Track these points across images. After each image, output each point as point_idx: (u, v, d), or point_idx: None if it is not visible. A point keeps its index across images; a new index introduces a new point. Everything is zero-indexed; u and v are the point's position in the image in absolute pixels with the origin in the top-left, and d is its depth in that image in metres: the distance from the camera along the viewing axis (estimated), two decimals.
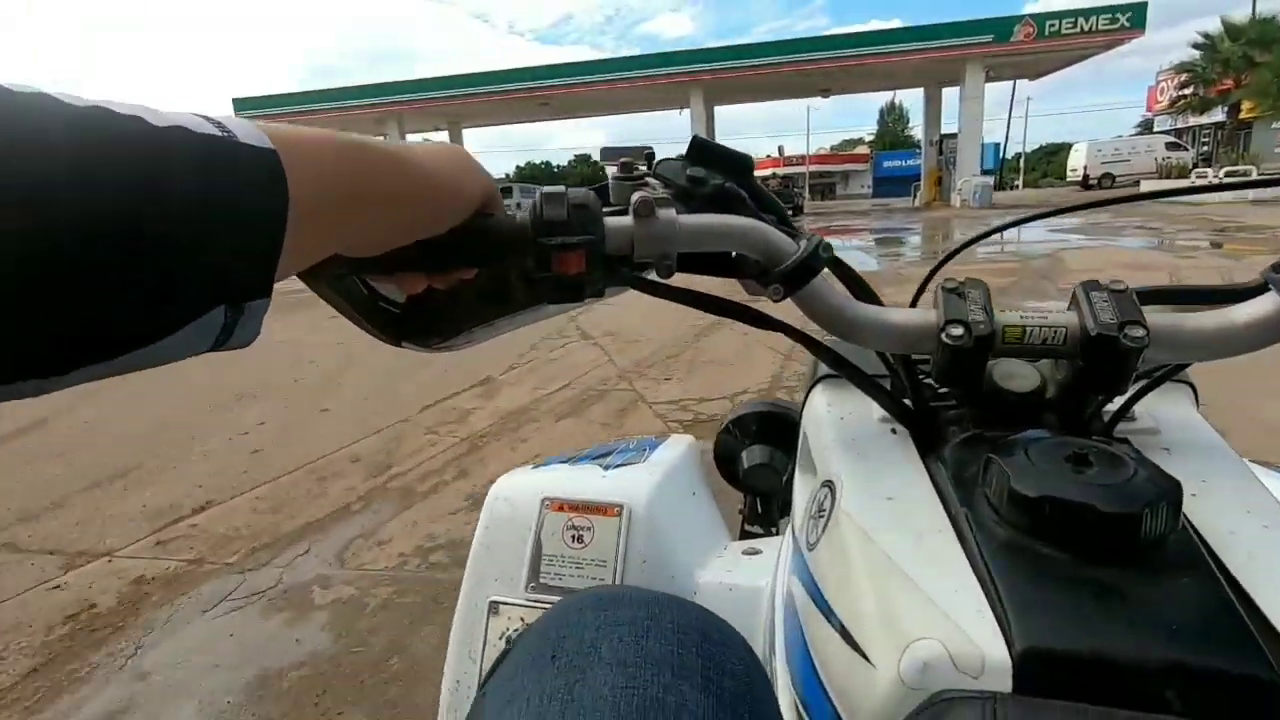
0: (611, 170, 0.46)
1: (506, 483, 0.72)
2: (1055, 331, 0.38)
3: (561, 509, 0.67)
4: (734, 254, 0.41)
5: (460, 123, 27.34)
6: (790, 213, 0.46)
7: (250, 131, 0.24)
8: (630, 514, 0.66)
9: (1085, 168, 29.27)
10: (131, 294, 0.21)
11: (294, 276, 0.30)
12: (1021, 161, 46.83)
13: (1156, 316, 0.38)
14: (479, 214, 0.37)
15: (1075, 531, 0.31)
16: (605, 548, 0.65)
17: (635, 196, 0.38)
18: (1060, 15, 18.46)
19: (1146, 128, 36.77)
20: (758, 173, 0.50)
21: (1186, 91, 25.03)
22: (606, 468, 0.73)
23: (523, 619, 0.64)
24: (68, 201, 0.19)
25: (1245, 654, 0.26)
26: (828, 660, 0.35)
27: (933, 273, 0.52)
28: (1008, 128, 28.06)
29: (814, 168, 56.23)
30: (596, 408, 3.45)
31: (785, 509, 0.83)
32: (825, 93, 25.46)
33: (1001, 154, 31.30)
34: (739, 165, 0.44)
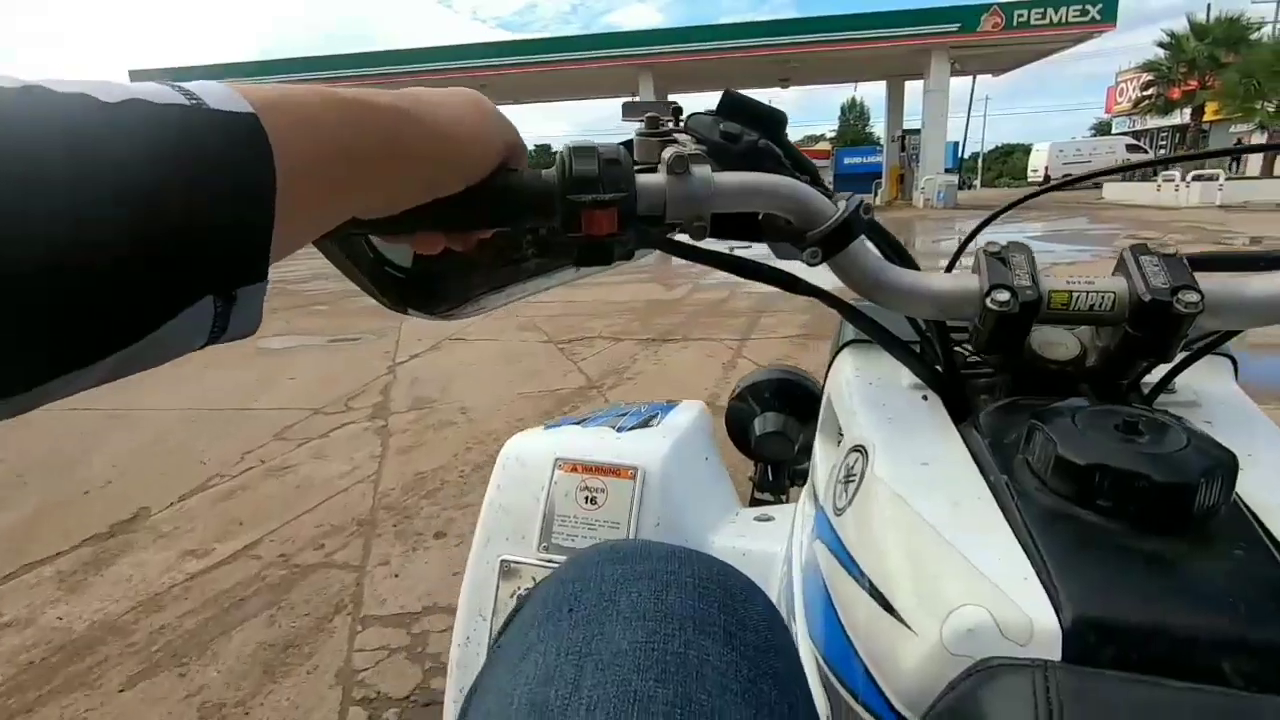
0: (637, 125, 0.42)
1: (518, 443, 0.73)
2: (1104, 297, 0.37)
3: (575, 470, 0.68)
4: (762, 216, 0.39)
5: None
6: None
7: (223, 95, 0.22)
8: (644, 476, 0.67)
9: (1046, 168, 29.55)
10: (92, 293, 0.18)
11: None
12: (980, 161, 46.85)
13: (1210, 281, 0.36)
14: (501, 169, 0.35)
15: (1127, 501, 0.30)
16: (619, 509, 0.66)
17: (668, 152, 0.36)
18: (1029, 5, 17.30)
19: (1103, 130, 36.71)
20: None
21: (1150, 92, 24.29)
22: (620, 430, 0.73)
23: (534, 578, 0.63)
24: (27, 191, 0.17)
25: None
26: (859, 624, 0.34)
27: (970, 237, 0.51)
28: (967, 126, 26.91)
29: None
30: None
31: (796, 477, 0.89)
32: (784, 83, 23.97)
33: (960, 153, 30.33)
34: (773, 120, 0.42)
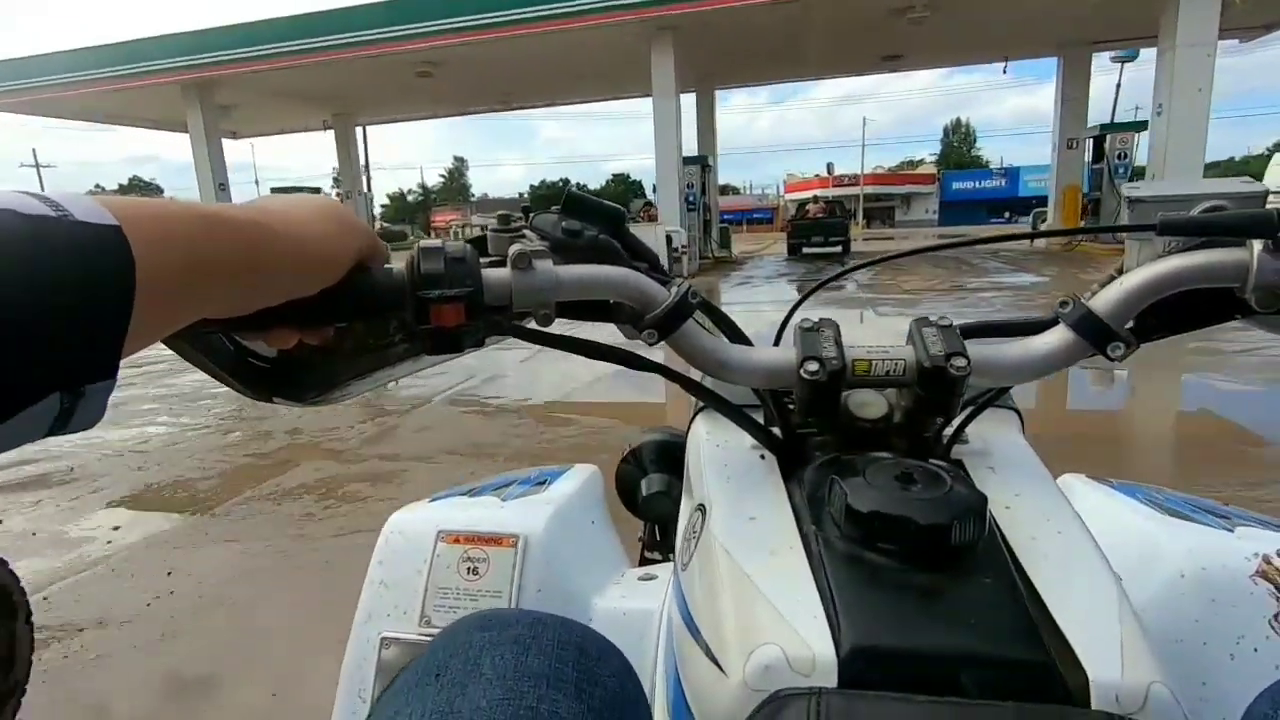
0: (490, 223, 0.47)
1: (401, 517, 0.72)
2: (896, 364, 0.42)
3: (457, 541, 0.68)
4: (611, 301, 0.43)
5: (349, 116, 18.99)
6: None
7: (88, 208, 0.23)
8: (526, 543, 0.67)
9: None
10: None
11: None
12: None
13: (976, 347, 0.42)
14: (355, 269, 0.37)
15: (899, 542, 0.35)
16: (500, 578, 0.66)
17: (513, 249, 0.39)
18: None
19: None
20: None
21: None
22: (505, 499, 0.74)
23: (414, 654, 0.60)
24: None
25: (1026, 642, 0.31)
26: (691, 674, 0.37)
27: (791, 312, 0.56)
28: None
29: (869, 189, 47.56)
30: None
31: None
32: (893, 63, 15.80)
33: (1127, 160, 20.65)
34: (612, 216, 0.46)
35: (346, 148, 20.13)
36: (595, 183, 69.35)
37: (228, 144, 21.97)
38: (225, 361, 0.41)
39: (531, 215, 0.46)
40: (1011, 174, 52.69)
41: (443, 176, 72.38)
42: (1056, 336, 0.43)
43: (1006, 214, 51.61)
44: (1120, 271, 0.43)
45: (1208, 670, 0.52)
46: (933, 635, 0.31)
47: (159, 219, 0.26)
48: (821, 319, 0.44)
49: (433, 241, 0.38)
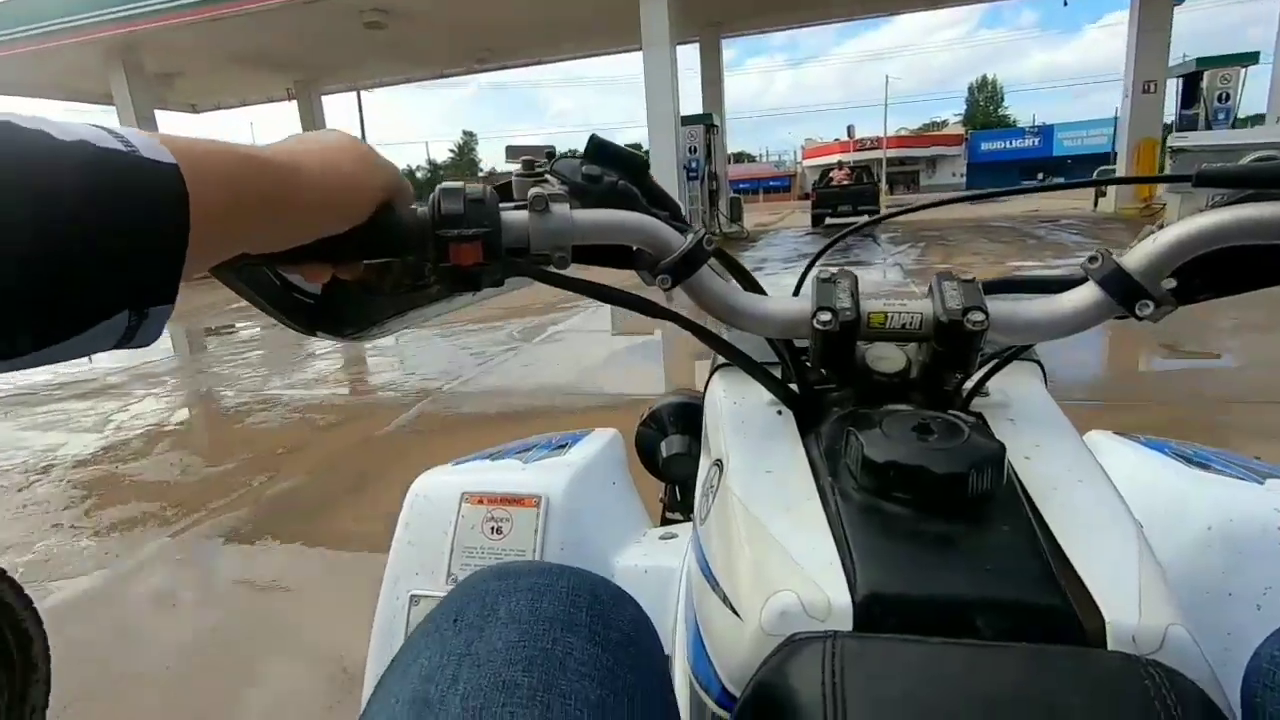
0: (515, 167, 0.47)
1: (426, 480, 0.74)
2: (913, 317, 0.41)
3: (480, 502, 0.69)
4: (629, 247, 0.43)
5: (312, 84, 16.91)
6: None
7: (152, 146, 0.26)
8: (548, 504, 0.68)
9: None
10: (41, 300, 0.23)
11: None
12: None
13: (997, 304, 0.41)
14: (382, 208, 0.38)
15: (915, 491, 0.35)
16: (523, 538, 0.67)
17: (531, 192, 0.40)
18: None
19: None
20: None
21: None
22: (527, 462, 0.75)
23: None
24: None
25: (1042, 585, 0.31)
26: (709, 622, 0.38)
27: (812, 263, 0.56)
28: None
29: (893, 152, 44.82)
30: None
31: None
32: None
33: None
34: (633, 165, 0.46)
35: (310, 119, 18.06)
36: None
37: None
38: (271, 294, 0.43)
39: (554, 160, 0.46)
40: (1045, 133, 49.92)
41: (452, 152, 70.55)
42: (1083, 294, 0.41)
43: (1040, 175, 48.71)
44: (1160, 228, 0.40)
45: (1233, 621, 0.52)
46: (948, 580, 0.31)
47: (209, 158, 0.28)
48: (840, 269, 0.43)
49: (454, 183, 0.39)
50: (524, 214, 0.40)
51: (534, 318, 6.09)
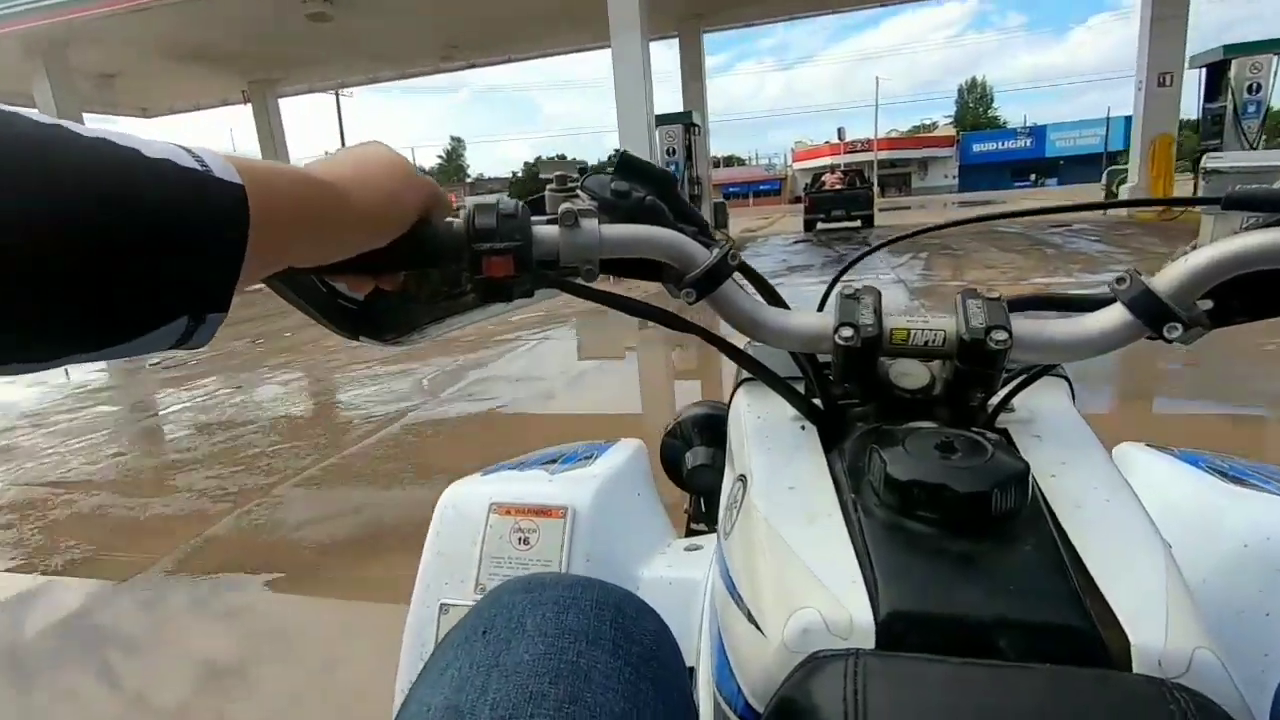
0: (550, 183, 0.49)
1: (455, 490, 0.74)
2: (935, 334, 0.41)
3: (508, 513, 0.70)
4: (655, 261, 0.44)
5: (268, 86, 15.81)
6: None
7: (223, 166, 0.28)
8: (574, 515, 0.68)
9: None
10: (116, 300, 0.25)
11: None
12: None
13: (1022, 323, 0.41)
14: (420, 222, 0.40)
15: (938, 510, 0.34)
16: (550, 549, 0.68)
17: (562, 207, 0.41)
18: None
19: None
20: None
21: None
22: (553, 473, 0.75)
23: None
24: (84, 218, 0.23)
25: (1066, 606, 0.30)
26: (733, 638, 0.38)
27: (837, 278, 0.55)
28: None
29: (884, 154, 44.19)
30: None
31: None
32: None
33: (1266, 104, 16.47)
34: (661, 180, 0.46)
35: (267, 123, 16.88)
36: (595, 156, 65.83)
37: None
38: (317, 301, 0.45)
39: (584, 176, 0.47)
40: (1037, 133, 49.44)
41: (440, 158, 69.31)
42: (1110, 315, 0.41)
43: (1032, 177, 48.20)
44: (1194, 248, 0.40)
45: (1271, 641, 0.51)
46: (970, 600, 0.31)
47: (271, 179, 0.30)
48: (864, 286, 0.43)
49: (488, 198, 0.41)
50: (554, 228, 0.41)
51: (460, 355, 4.97)
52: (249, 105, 16.97)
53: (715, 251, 0.42)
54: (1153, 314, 0.39)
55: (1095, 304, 0.42)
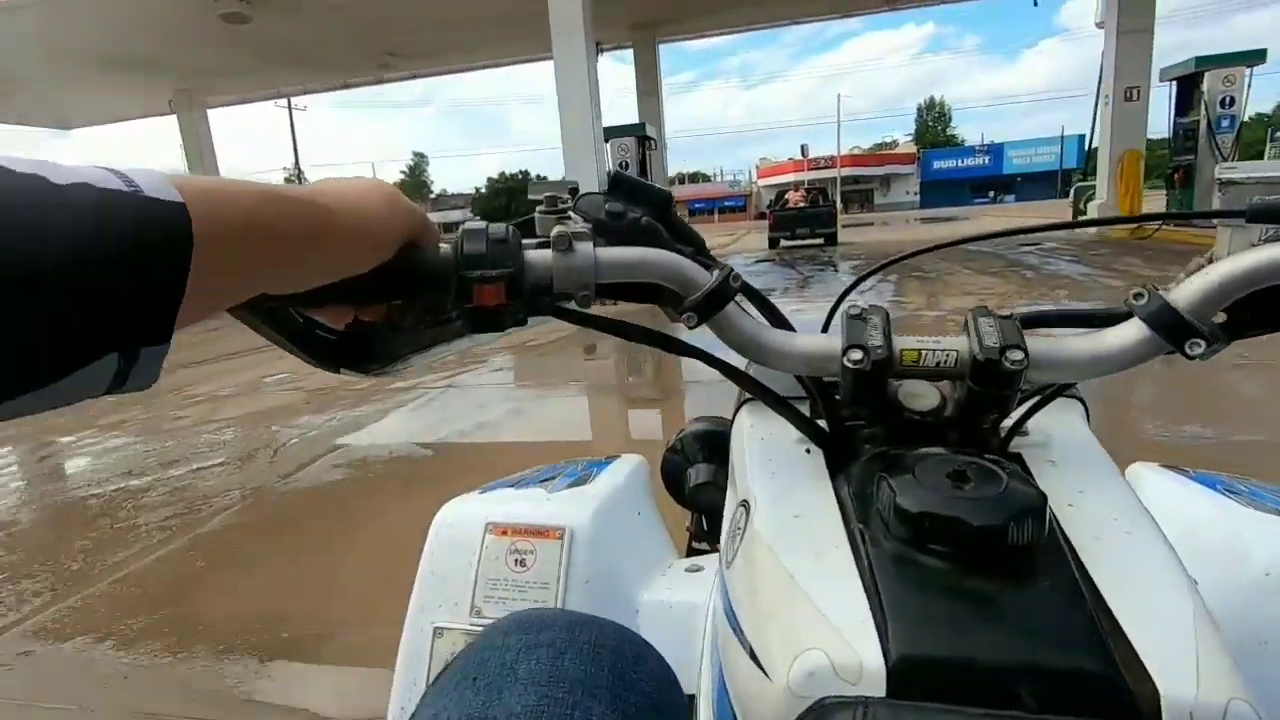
0: (539, 204, 0.47)
1: (451, 509, 0.73)
2: (947, 355, 0.40)
3: (505, 533, 0.68)
4: (653, 284, 0.43)
5: (195, 95, 14.74)
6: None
7: (159, 186, 0.26)
8: (572, 536, 0.67)
9: None
10: (15, 342, 0.22)
11: None
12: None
13: (1037, 341, 0.40)
14: (406, 248, 0.38)
15: (951, 544, 0.33)
16: (548, 570, 0.66)
17: (554, 231, 0.40)
18: None
19: None
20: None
21: None
22: (551, 491, 0.74)
23: (466, 643, 0.63)
24: None
25: (1090, 652, 0.29)
26: (735, 676, 0.37)
27: (841, 298, 0.54)
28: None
29: (846, 171, 44.33)
30: None
31: None
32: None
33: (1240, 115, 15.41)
34: (658, 200, 0.45)
35: (196, 138, 15.72)
36: (557, 172, 65.13)
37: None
38: (294, 333, 0.43)
39: (578, 197, 0.45)
40: (995, 151, 50.28)
41: (403, 173, 67.85)
42: (1129, 331, 0.40)
43: (991, 193, 48.83)
44: (1210, 261, 0.39)
45: None
46: (987, 644, 0.29)
47: (222, 196, 0.27)
48: (871, 305, 0.42)
49: (477, 223, 0.39)
50: (548, 253, 0.40)
51: (340, 411, 4.04)
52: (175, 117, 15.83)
53: (716, 273, 0.41)
54: (1173, 330, 0.38)
55: (1111, 319, 0.41)
